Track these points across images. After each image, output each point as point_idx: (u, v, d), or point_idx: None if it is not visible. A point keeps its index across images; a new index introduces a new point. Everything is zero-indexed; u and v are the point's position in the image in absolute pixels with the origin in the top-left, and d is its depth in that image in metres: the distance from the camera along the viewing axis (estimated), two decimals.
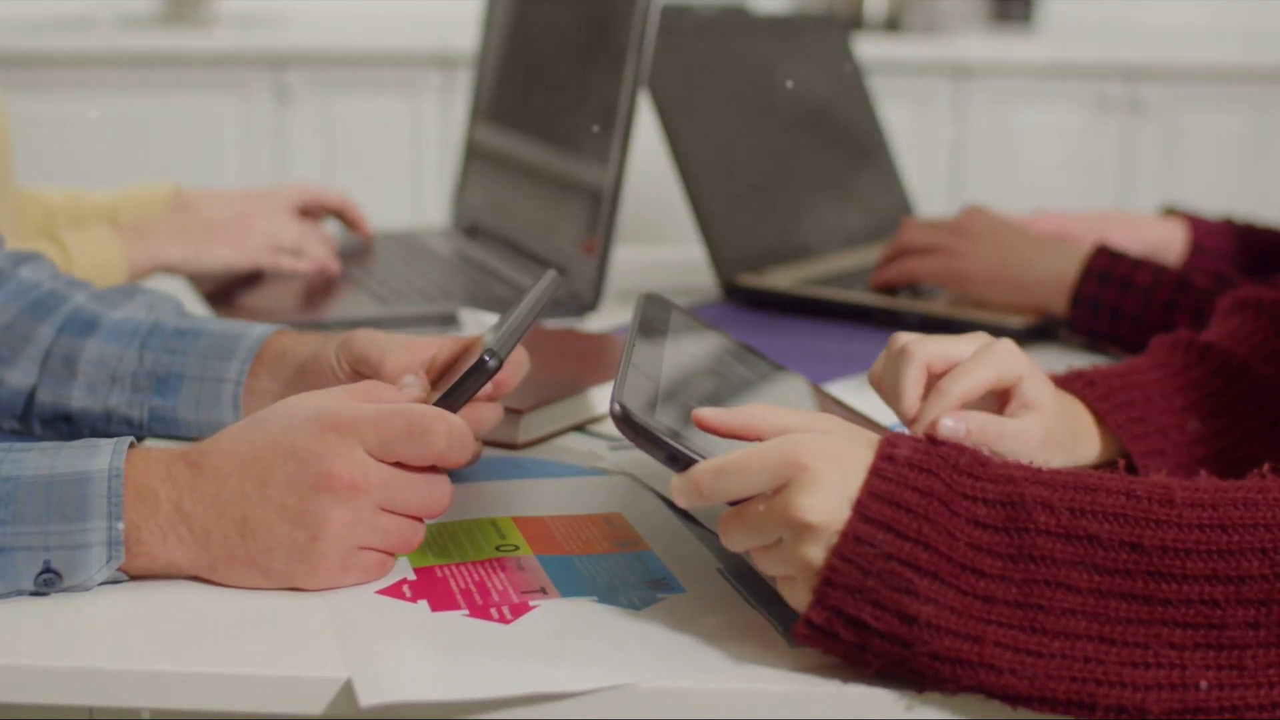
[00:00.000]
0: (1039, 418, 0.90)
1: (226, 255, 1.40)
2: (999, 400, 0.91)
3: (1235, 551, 0.67)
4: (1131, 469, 0.92)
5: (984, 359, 0.90)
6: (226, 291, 1.42)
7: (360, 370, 0.95)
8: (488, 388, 0.89)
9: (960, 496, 0.68)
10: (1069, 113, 3.17)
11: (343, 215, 1.61)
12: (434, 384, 0.96)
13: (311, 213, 1.57)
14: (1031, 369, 0.91)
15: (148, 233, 1.37)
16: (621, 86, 1.37)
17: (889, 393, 0.91)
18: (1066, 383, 0.96)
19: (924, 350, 0.90)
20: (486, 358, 0.82)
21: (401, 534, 0.79)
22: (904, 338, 0.91)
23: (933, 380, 0.90)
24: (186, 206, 1.52)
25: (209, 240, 1.40)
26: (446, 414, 0.79)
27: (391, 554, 0.79)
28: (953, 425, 0.87)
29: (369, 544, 0.78)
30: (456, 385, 0.83)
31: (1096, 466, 0.94)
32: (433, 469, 0.79)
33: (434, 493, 0.79)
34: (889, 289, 1.43)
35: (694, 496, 0.71)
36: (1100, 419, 0.94)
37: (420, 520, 0.80)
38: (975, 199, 1.59)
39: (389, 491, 0.77)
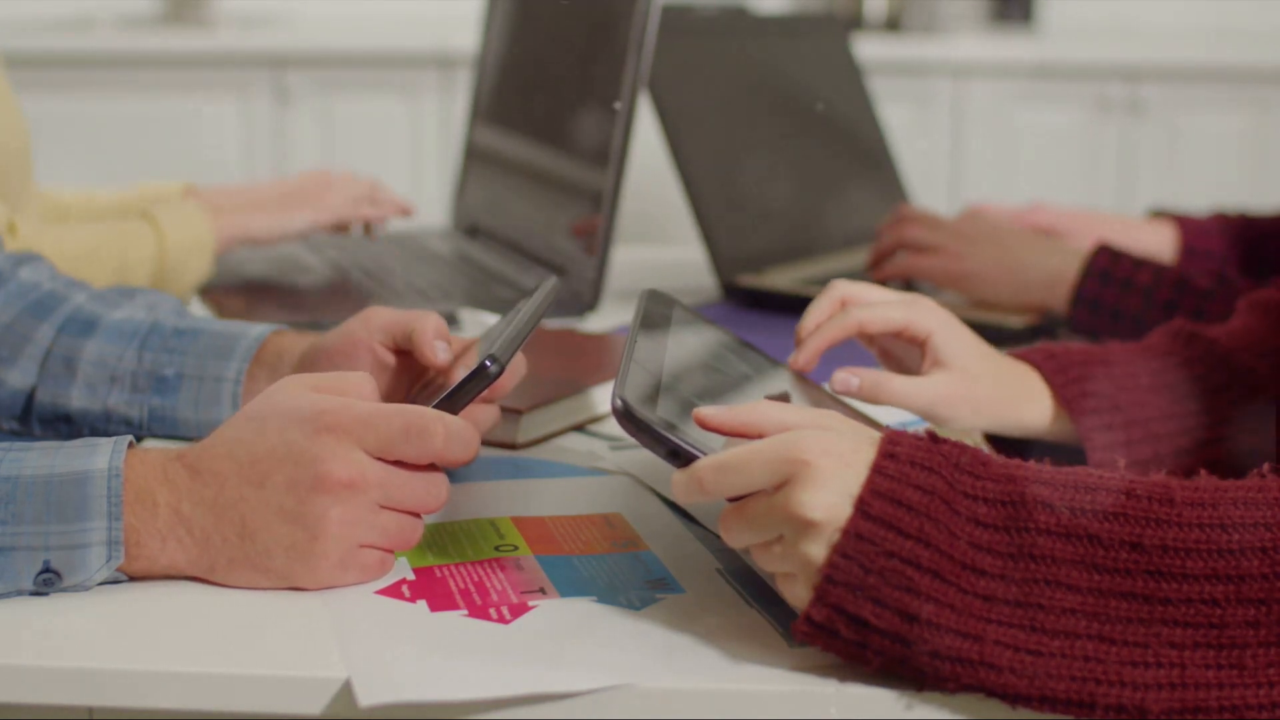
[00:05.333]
0: (946, 377, 0.93)
1: (310, 216, 1.42)
2: (923, 353, 0.95)
3: (1235, 551, 0.67)
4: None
5: (900, 302, 0.94)
6: (228, 292, 1.42)
7: (400, 342, 0.96)
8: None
9: (961, 495, 0.68)
10: (1069, 113, 3.17)
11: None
12: (431, 384, 0.96)
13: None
14: (948, 328, 0.94)
15: (228, 208, 1.38)
16: (621, 87, 1.37)
17: (806, 336, 0.96)
18: (1029, 354, 0.98)
19: (843, 287, 0.96)
20: (488, 363, 0.83)
21: (401, 531, 0.79)
22: (842, 288, 0.97)
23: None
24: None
25: (289, 206, 1.41)
26: (444, 414, 0.79)
27: (391, 552, 0.79)
28: (844, 377, 0.93)
29: (368, 542, 0.77)
30: (456, 389, 0.83)
31: (1052, 442, 0.97)
32: (430, 467, 0.79)
33: (431, 489, 0.79)
34: (885, 281, 1.43)
35: (695, 492, 0.71)
36: (1054, 391, 0.96)
37: (419, 517, 0.80)
38: (975, 199, 1.60)
39: (387, 489, 0.77)
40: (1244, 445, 0.97)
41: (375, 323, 0.96)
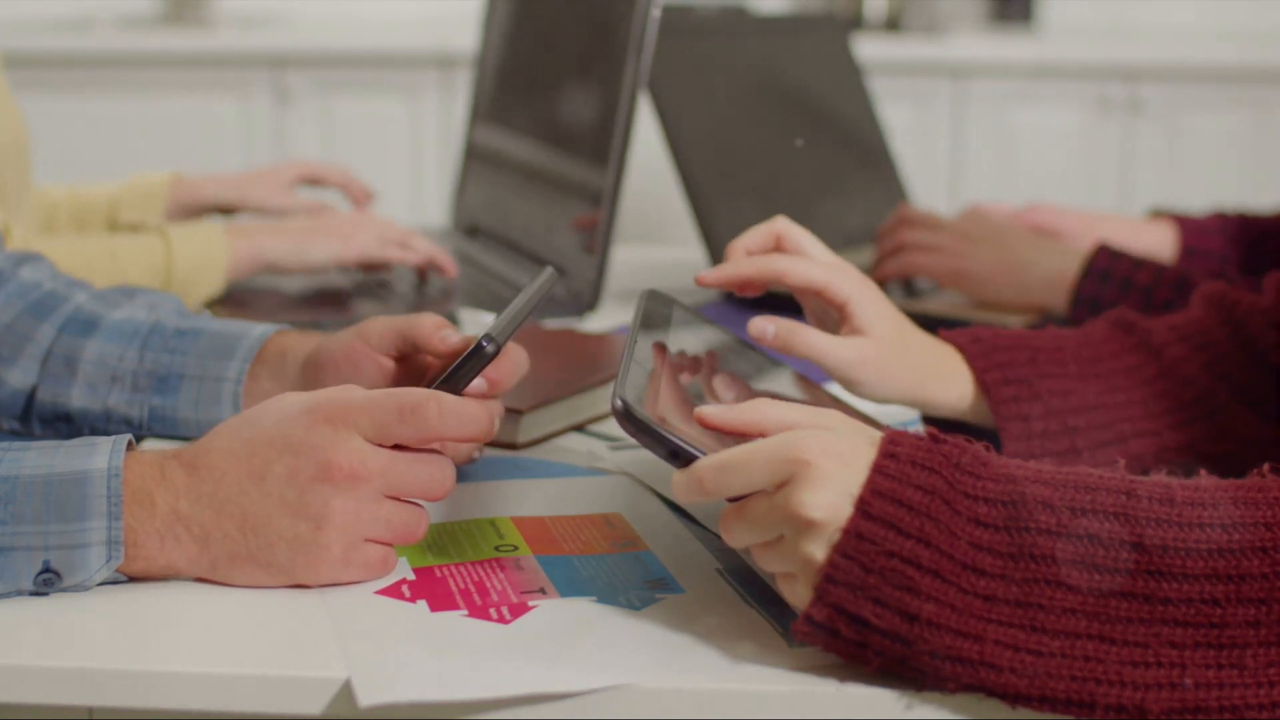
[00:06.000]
0: (861, 341, 0.93)
1: (334, 248, 1.40)
2: (840, 319, 0.95)
3: (1235, 550, 0.67)
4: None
5: (824, 263, 0.94)
6: (229, 292, 1.42)
7: (400, 347, 0.95)
8: (482, 384, 0.89)
9: (962, 495, 0.68)
10: (1069, 113, 3.17)
11: (345, 189, 1.62)
12: (432, 383, 0.96)
13: (312, 187, 1.58)
14: (867, 296, 0.94)
15: (251, 231, 1.37)
16: (621, 86, 1.37)
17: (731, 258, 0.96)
18: (955, 337, 0.98)
19: (784, 224, 0.96)
20: (484, 342, 0.83)
21: (405, 523, 0.78)
22: (782, 224, 0.97)
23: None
24: (187, 191, 1.52)
25: (313, 236, 1.39)
26: (437, 392, 0.79)
27: (393, 546, 0.79)
28: (760, 324, 0.92)
29: (372, 535, 0.77)
30: (455, 369, 0.84)
31: (967, 425, 0.97)
32: (433, 452, 0.79)
33: (435, 473, 0.79)
34: (884, 284, 1.43)
35: (696, 492, 0.71)
36: (975, 374, 0.96)
37: (423, 507, 0.80)
38: (975, 199, 1.59)
39: (389, 477, 0.77)
40: (1170, 441, 0.96)
41: (374, 333, 0.96)
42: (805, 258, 0.95)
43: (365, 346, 0.96)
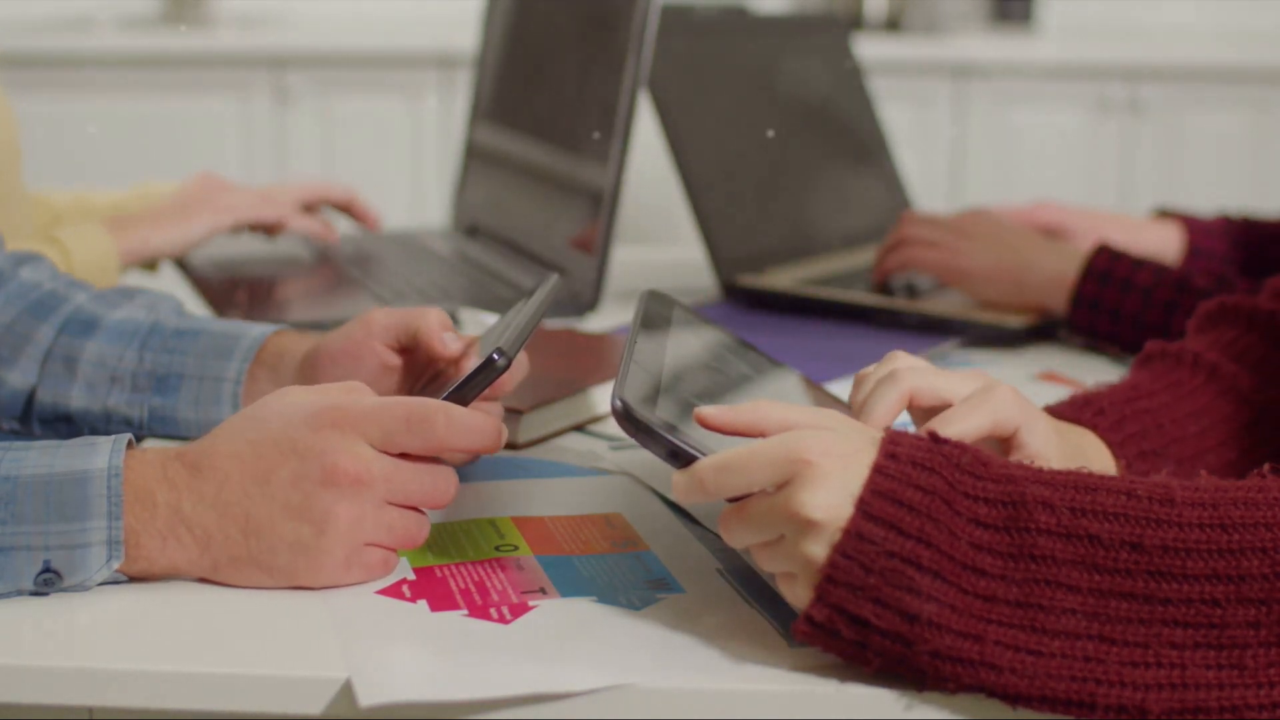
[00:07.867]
0: None
1: (209, 221, 1.43)
2: (1002, 447, 0.84)
3: (1236, 551, 0.67)
4: None
5: (979, 404, 0.81)
6: (228, 292, 1.42)
7: (404, 341, 0.96)
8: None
9: (962, 495, 0.68)
10: (1069, 113, 3.17)
11: (350, 209, 1.62)
12: (436, 379, 0.96)
13: (316, 207, 1.58)
14: (1030, 416, 0.83)
15: (129, 223, 1.40)
16: (621, 86, 1.37)
17: (859, 410, 0.83)
18: (1075, 413, 0.91)
19: (912, 379, 0.83)
20: (495, 356, 0.83)
21: (407, 529, 0.79)
22: (899, 360, 0.84)
23: (919, 414, 0.83)
24: None
25: (188, 214, 1.42)
26: (446, 404, 0.79)
27: (395, 551, 0.79)
28: None
29: (374, 540, 0.77)
30: (464, 382, 0.84)
31: None
32: (437, 460, 0.79)
33: (438, 482, 0.79)
34: (887, 284, 1.43)
35: (696, 492, 0.71)
36: (1113, 450, 0.90)
37: (424, 514, 0.80)
38: (975, 199, 1.59)
39: (393, 484, 0.77)
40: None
41: (377, 324, 0.96)
42: (954, 409, 0.81)
43: (367, 339, 0.96)
